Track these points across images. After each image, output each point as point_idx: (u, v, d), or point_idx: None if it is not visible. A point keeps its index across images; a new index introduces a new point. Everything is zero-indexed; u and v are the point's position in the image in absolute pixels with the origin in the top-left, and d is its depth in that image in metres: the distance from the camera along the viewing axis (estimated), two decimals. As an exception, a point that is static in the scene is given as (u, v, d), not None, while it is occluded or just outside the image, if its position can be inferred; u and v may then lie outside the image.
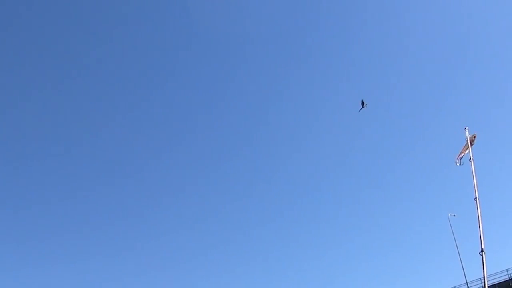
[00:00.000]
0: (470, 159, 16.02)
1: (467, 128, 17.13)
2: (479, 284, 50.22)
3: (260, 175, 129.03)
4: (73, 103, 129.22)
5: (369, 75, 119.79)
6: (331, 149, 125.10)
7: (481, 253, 13.47)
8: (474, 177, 15.49)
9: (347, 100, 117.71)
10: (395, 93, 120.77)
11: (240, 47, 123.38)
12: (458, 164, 16.49)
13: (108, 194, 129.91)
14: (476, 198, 14.87)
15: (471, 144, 16.66)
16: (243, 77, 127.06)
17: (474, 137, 16.86)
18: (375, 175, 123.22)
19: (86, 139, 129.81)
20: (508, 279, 49.73)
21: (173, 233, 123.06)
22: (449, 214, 55.39)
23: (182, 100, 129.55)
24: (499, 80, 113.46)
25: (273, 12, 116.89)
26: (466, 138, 16.79)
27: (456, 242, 53.19)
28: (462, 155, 16.44)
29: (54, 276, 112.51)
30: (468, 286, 51.52)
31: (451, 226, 54.33)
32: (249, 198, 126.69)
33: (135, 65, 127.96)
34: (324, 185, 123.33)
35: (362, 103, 40.04)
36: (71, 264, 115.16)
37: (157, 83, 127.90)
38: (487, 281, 14.69)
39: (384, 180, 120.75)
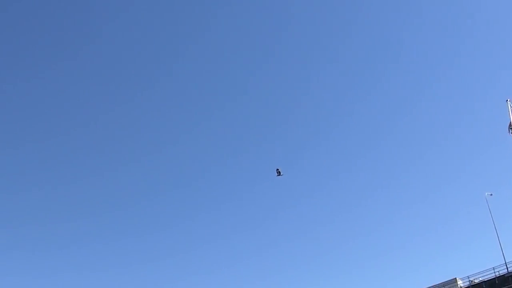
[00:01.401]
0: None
1: (508, 100, 16.93)
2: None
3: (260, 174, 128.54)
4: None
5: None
6: (373, 129, 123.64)
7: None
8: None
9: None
10: (425, 69, 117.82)
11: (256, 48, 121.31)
12: (511, 134, 16.49)
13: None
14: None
15: None
16: (252, 78, 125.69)
17: None
18: (407, 156, 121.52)
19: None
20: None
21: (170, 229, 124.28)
22: (486, 193, 54.89)
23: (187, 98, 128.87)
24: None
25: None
26: (509, 109, 16.61)
27: (494, 221, 52.82)
28: None
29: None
30: (507, 267, 50.94)
31: (488, 206, 53.92)
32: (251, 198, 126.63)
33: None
34: (362, 165, 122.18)
35: (278, 172, 44.92)
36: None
37: (157, 82, 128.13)
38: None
39: (417, 160, 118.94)
